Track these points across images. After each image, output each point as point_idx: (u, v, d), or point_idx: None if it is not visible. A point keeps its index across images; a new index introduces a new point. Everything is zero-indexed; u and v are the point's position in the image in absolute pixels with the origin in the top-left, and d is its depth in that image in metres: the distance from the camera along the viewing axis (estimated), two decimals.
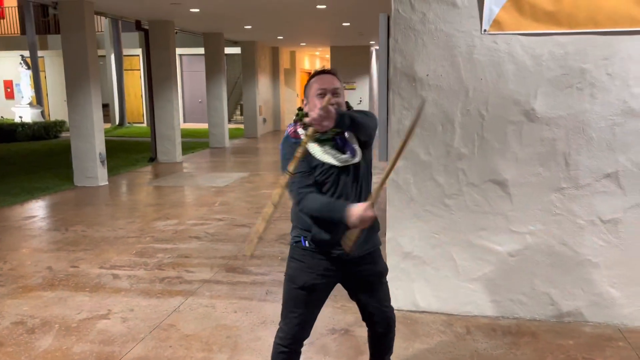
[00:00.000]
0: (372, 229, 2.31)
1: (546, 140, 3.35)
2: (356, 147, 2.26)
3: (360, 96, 18.17)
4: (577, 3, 3.13)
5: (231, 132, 15.61)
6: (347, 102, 2.34)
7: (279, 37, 15.01)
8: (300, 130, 2.27)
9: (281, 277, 4.32)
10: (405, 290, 3.64)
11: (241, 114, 19.95)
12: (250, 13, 10.00)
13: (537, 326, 3.45)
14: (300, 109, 2.36)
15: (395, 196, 3.56)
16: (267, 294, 4.03)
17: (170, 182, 8.90)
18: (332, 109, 2.01)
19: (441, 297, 3.63)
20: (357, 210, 2.08)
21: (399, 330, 3.37)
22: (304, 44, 17.42)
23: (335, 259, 2.31)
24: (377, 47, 18.97)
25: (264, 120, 17.10)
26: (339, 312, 3.66)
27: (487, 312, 3.56)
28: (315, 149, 2.24)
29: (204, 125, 18.82)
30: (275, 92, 18.09)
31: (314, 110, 2.00)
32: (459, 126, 3.42)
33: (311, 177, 2.25)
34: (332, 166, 2.23)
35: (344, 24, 11.69)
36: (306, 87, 2.31)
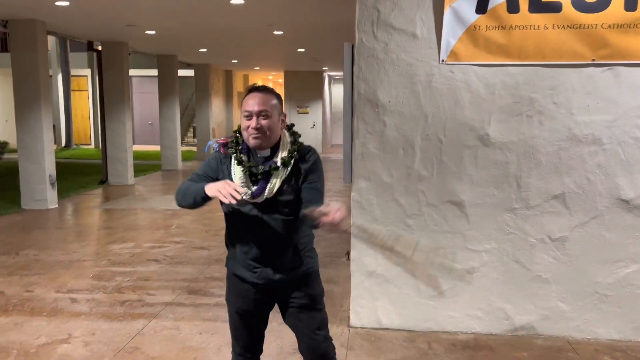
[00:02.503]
0: (308, 250, 2.29)
1: (499, 164, 3.57)
2: (272, 185, 2.13)
3: (314, 120, 18.43)
4: (526, 37, 3.40)
5: (183, 155, 15.44)
6: (291, 125, 2.27)
7: (233, 61, 15.11)
8: (233, 156, 2.19)
9: None
10: (368, 308, 3.75)
11: (193, 136, 19.78)
12: (207, 37, 10.07)
13: (494, 340, 3.62)
14: (239, 126, 2.23)
15: (359, 216, 3.69)
16: None
17: (123, 204, 8.73)
18: (339, 219, 1.92)
19: (403, 314, 3.76)
20: (218, 182, 2.02)
21: (364, 347, 3.47)
22: (258, 68, 17.59)
23: (262, 289, 2.25)
24: (331, 73, 19.38)
25: None
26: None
27: (447, 328, 3.71)
28: (236, 168, 2.18)
29: (154, 147, 18.57)
30: (228, 115, 18.10)
31: (332, 214, 1.92)
32: (419, 150, 3.61)
33: (207, 178, 2.20)
34: None
35: (299, 50, 11.93)
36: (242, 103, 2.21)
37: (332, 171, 13.42)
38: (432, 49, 3.53)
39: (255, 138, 2.12)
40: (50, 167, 8.25)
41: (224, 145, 2.24)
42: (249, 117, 2.11)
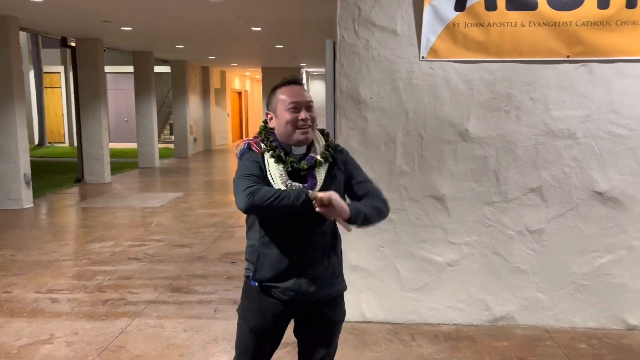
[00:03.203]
0: (335, 271, 2.12)
1: (478, 158, 3.65)
2: (320, 179, 2.00)
3: None
4: (504, 35, 3.48)
5: (160, 152, 15.29)
6: (327, 133, 2.14)
7: (210, 57, 14.99)
8: (267, 155, 2.02)
9: (228, 295, 4.38)
10: (353, 302, 3.79)
11: (170, 133, 19.60)
12: (184, 33, 9.99)
13: (475, 330, 3.71)
14: (265, 122, 2.09)
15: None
16: (215, 312, 4.05)
17: (101, 203, 8.62)
18: (338, 203, 1.85)
19: (386, 307, 3.82)
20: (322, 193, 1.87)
21: (349, 341, 3.52)
22: (235, 64, 17.48)
23: (287, 303, 2.05)
24: (309, 69, 19.39)
25: (195, 139, 16.91)
26: (289, 327, 3.74)
27: (429, 320, 3.78)
28: (272, 166, 1.99)
29: (130, 145, 18.34)
30: (205, 112, 17.96)
31: (324, 196, 1.83)
32: (400, 145, 3.66)
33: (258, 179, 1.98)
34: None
35: (277, 46, 11.91)
36: (270, 99, 2.06)
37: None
38: (413, 46, 3.58)
39: (304, 132, 1.99)
40: (25, 166, 8.10)
41: (254, 144, 2.06)
42: (296, 109, 1.98)
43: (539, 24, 3.45)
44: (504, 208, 3.67)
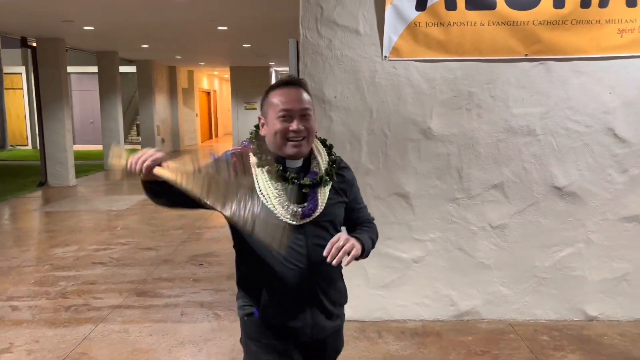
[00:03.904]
0: (341, 301, 1.91)
1: (441, 156, 3.70)
2: (322, 198, 1.73)
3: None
4: (464, 34, 3.53)
5: (128, 153, 15.01)
6: (329, 144, 1.85)
7: (177, 57, 14.80)
8: (259, 170, 1.71)
9: (195, 298, 4.33)
10: None
11: (137, 134, 19.26)
12: (149, 33, 9.83)
13: (441, 326, 3.76)
14: (256, 127, 1.80)
15: None
16: (182, 315, 4.00)
17: (65, 206, 8.42)
18: (349, 244, 1.63)
19: (353, 306, 3.80)
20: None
21: None
22: (202, 63, 17.29)
23: (302, 341, 1.80)
24: (277, 68, 19.32)
25: (163, 140, 16.67)
26: None
27: (395, 317, 3.82)
28: (266, 184, 1.69)
29: (96, 147, 17.96)
30: (173, 112, 17.72)
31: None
32: (365, 144, 3.68)
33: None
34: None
35: (245, 45, 11.83)
36: (263, 102, 1.76)
37: None
38: (375, 46, 3.60)
39: (296, 145, 1.68)
40: None
41: (237, 156, 1.70)
42: (287, 117, 1.67)
43: (498, 24, 3.51)
44: (467, 204, 3.73)
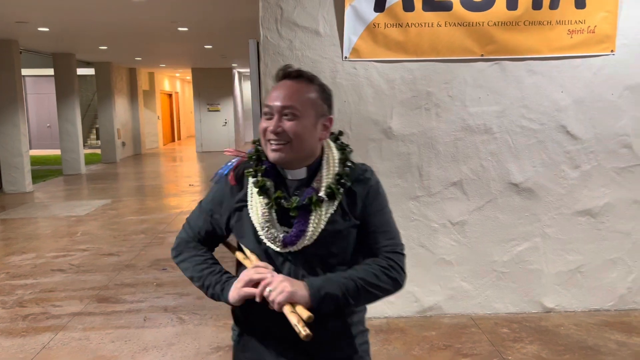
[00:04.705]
0: (361, 331, 1.62)
1: (402, 155, 3.76)
2: (313, 226, 1.43)
3: (225, 118, 18.20)
4: (422, 35, 3.60)
5: (87, 158, 14.69)
6: (338, 134, 1.60)
7: (137, 58, 14.55)
8: (251, 181, 1.49)
9: (158, 302, 4.27)
10: None
11: (97, 138, 18.86)
12: (106, 33, 9.63)
13: (405, 322, 3.82)
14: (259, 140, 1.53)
15: None
16: (145, 321, 3.94)
17: (21, 213, 8.16)
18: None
19: None
20: (240, 279, 1.40)
21: None
22: (163, 65, 17.04)
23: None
24: (240, 70, 19.19)
25: (123, 144, 16.35)
26: (222, 330, 3.71)
27: None
28: (255, 198, 1.47)
29: (54, 151, 17.47)
30: (134, 115, 17.40)
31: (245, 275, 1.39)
32: None
33: (212, 219, 1.56)
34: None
35: (206, 47, 11.72)
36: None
37: None
38: (335, 46, 3.63)
39: (275, 149, 1.43)
40: None
41: (236, 167, 1.54)
42: (269, 115, 1.44)
43: (454, 24, 3.60)
44: (427, 202, 3.80)
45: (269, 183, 1.46)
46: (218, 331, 3.68)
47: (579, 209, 3.85)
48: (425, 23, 3.58)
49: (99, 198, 9.38)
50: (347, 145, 1.57)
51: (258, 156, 1.51)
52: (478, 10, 3.58)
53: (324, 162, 1.49)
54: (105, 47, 11.72)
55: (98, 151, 16.65)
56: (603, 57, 3.70)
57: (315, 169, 1.49)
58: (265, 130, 1.44)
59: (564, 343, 3.46)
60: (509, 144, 3.77)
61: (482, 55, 3.65)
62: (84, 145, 13.54)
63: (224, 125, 18.07)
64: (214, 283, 1.48)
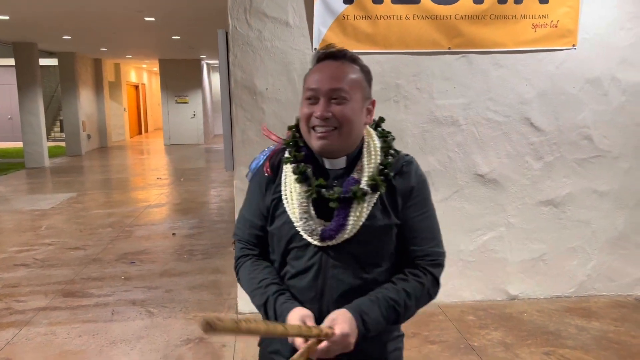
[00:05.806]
0: (395, 336, 1.49)
1: None
2: (355, 218, 1.31)
3: (194, 110, 17.97)
4: (390, 27, 3.63)
5: (51, 151, 14.32)
6: (380, 120, 1.49)
7: (102, 49, 14.21)
8: (288, 168, 1.38)
9: (126, 296, 4.22)
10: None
11: (61, 130, 18.40)
12: (70, 23, 9.38)
13: None
14: (297, 125, 1.40)
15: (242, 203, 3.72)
16: (113, 314, 3.88)
17: None
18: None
19: None
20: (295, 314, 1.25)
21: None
22: (129, 56, 16.69)
23: None
24: (209, 61, 18.96)
25: (89, 136, 15.98)
26: (191, 322, 3.69)
27: None
28: (293, 186, 1.36)
29: (16, 144, 16.97)
30: (99, 107, 17.01)
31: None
32: None
33: (260, 225, 1.44)
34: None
35: (174, 37, 11.54)
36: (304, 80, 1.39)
37: (216, 162, 13.27)
38: (305, 37, 3.63)
39: (321, 136, 1.30)
40: None
41: (271, 157, 1.42)
42: (313, 99, 1.31)
43: (422, 17, 3.64)
44: None
45: (309, 170, 1.34)
46: (187, 323, 3.67)
47: (542, 199, 3.97)
48: (394, 15, 3.61)
49: (64, 191, 9.17)
50: (389, 133, 1.46)
51: (295, 142, 1.38)
52: (445, 4, 3.63)
53: (364, 151, 1.38)
54: (69, 37, 11.42)
55: (62, 144, 16.25)
56: (565, 51, 3.81)
57: (354, 158, 1.37)
58: (309, 116, 1.31)
59: (527, 329, 3.57)
60: (475, 136, 3.84)
61: (449, 48, 3.71)
62: (47, 138, 13.18)
63: (193, 117, 17.85)
64: (272, 311, 1.32)
